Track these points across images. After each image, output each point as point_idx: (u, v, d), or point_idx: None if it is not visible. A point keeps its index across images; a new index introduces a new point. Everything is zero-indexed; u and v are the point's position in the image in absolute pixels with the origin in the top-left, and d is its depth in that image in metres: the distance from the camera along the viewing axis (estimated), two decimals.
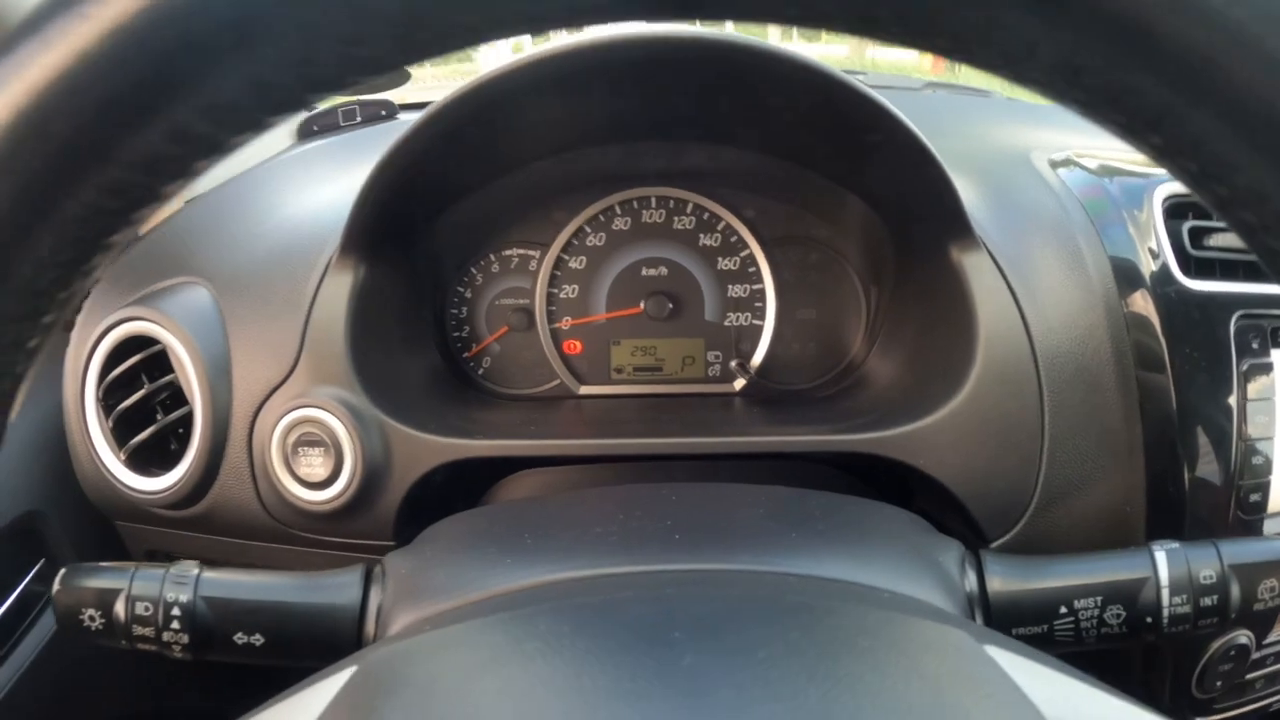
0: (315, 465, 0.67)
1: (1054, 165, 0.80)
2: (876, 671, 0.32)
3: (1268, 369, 0.70)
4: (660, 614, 0.37)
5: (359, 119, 1.05)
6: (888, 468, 0.68)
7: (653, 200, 0.83)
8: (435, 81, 1.25)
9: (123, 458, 0.71)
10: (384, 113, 1.04)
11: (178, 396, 0.72)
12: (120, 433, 0.72)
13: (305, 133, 1.07)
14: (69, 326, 0.74)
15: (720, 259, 0.83)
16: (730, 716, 0.29)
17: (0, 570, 0.75)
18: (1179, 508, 0.68)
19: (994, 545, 0.67)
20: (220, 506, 0.71)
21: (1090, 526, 0.68)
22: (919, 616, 0.39)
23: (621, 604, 0.39)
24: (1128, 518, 0.69)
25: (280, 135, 1.06)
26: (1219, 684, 0.74)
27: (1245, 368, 0.69)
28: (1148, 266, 0.70)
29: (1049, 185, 0.77)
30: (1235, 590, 0.50)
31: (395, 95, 1.10)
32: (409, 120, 0.63)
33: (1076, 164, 0.79)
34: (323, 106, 1.10)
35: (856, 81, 0.59)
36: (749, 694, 0.30)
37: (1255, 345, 0.70)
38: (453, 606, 0.45)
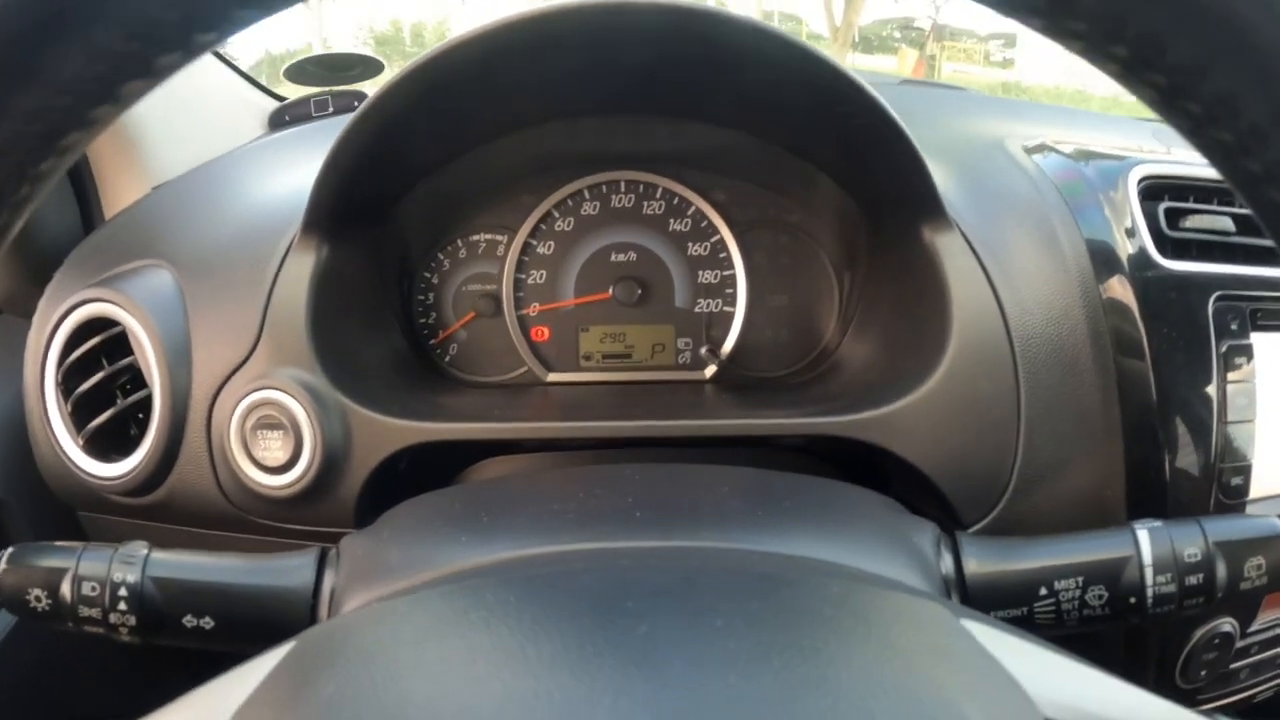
0: (274, 449, 0.65)
1: (1029, 151, 0.79)
2: (843, 642, 0.31)
3: (1247, 351, 0.70)
4: (614, 584, 0.35)
5: (331, 110, 1.04)
6: (864, 454, 0.67)
7: (622, 184, 0.82)
8: None
9: (81, 442, 0.70)
10: (356, 103, 1.03)
11: (138, 380, 0.71)
12: (79, 417, 0.71)
13: (276, 123, 1.07)
14: (29, 312, 0.73)
15: (690, 244, 0.83)
16: (687, 686, 0.27)
17: None
18: (1160, 491, 0.68)
19: (971, 530, 0.66)
20: (179, 493, 0.70)
21: (1069, 510, 0.67)
22: (891, 590, 0.38)
23: (573, 575, 0.37)
24: (1107, 501, 0.68)
25: (251, 125, 1.05)
26: (1203, 673, 0.73)
27: (1224, 349, 0.69)
28: (1124, 248, 0.70)
29: (1023, 169, 0.76)
30: (1221, 568, 0.49)
31: (368, 87, 1.09)
32: None
33: (1051, 149, 0.79)
34: (294, 97, 1.09)
35: (825, 52, 0.58)
36: (707, 663, 0.28)
37: (1234, 327, 0.71)
38: (405, 586, 0.43)
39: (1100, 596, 0.50)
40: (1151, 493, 0.68)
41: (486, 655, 0.30)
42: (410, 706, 0.27)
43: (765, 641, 0.30)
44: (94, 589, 0.49)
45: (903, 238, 0.70)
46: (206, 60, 0.98)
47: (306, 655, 0.33)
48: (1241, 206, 0.75)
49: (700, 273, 0.83)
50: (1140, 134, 1.07)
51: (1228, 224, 0.75)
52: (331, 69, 1.11)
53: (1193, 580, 0.49)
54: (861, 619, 0.33)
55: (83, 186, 0.88)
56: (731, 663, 0.28)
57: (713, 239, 0.82)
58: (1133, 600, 0.49)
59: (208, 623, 0.49)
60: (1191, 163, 0.82)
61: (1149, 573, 0.49)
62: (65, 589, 0.49)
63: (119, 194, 0.87)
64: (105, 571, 0.50)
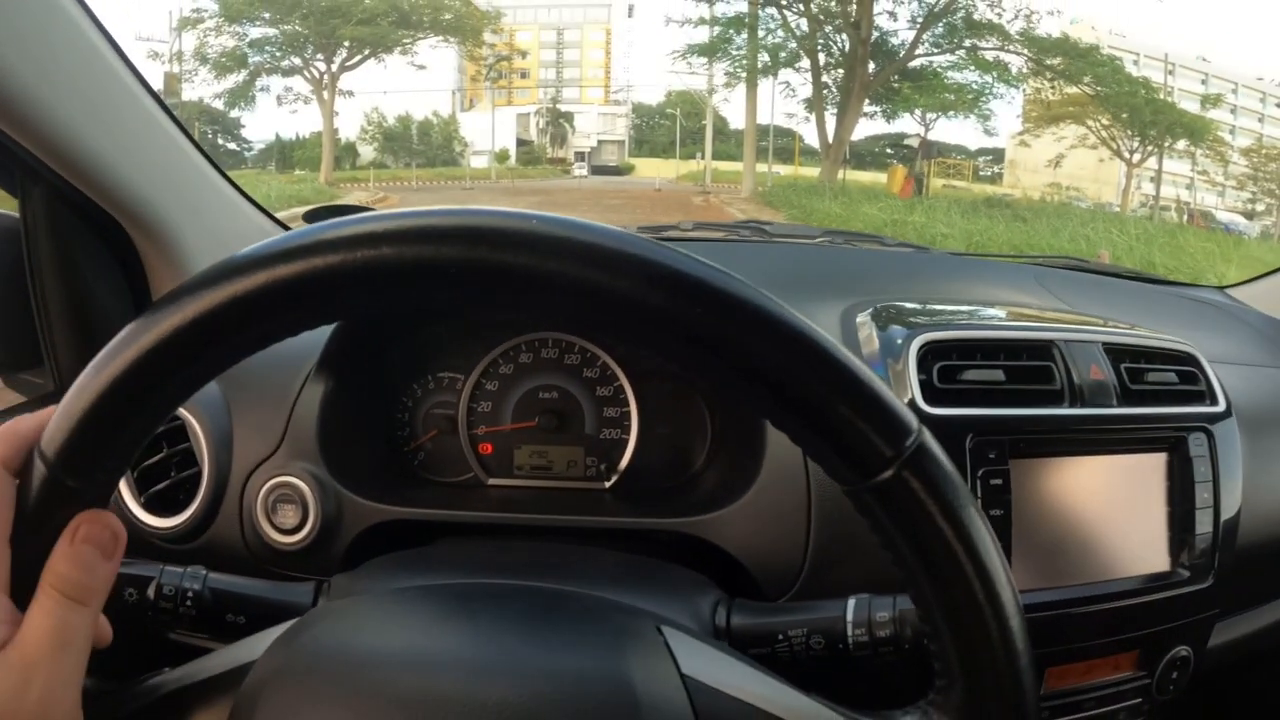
0: (288, 516, 0.90)
1: (843, 317, 1.02)
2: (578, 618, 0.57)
3: (1004, 473, 0.87)
4: (495, 603, 0.63)
5: None
6: (712, 554, 0.89)
7: (550, 341, 1.05)
8: None
9: (141, 501, 0.94)
10: None
11: (187, 459, 0.96)
12: (140, 482, 0.95)
13: None
14: None
15: (598, 387, 1.04)
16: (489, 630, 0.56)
17: None
18: None
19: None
20: (213, 543, 0.93)
21: (848, 592, 0.84)
22: (631, 612, 0.59)
23: (465, 592, 0.66)
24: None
25: None
26: None
27: (981, 473, 0.86)
28: (903, 398, 0.82)
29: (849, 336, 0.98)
30: (907, 629, 0.67)
31: None
32: None
33: (870, 318, 0.99)
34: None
35: None
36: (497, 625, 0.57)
37: (993, 456, 0.86)
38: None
39: (819, 642, 0.69)
40: None
41: (431, 614, 0.59)
42: (375, 634, 0.56)
43: (523, 620, 0.58)
44: (170, 590, 0.74)
45: None
46: (231, 198, 1.18)
47: (306, 618, 0.58)
48: (1020, 359, 0.93)
49: (605, 409, 1.04)
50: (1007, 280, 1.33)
51: (999, 375, 0.91)
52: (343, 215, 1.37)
53: (883, 634, 0.67)
54: (603, 613, 0.59)
55: (133, 274, 1.04)
56: (502, 630, 0.57)
57: (614, 384, 1.04)
58: (840, 646, 0.69)
59: (241, 619, 0.74)
60: (990, 325, 1.01)
61: (849, 628, 0.68)
62: (150, 590, 0.74)
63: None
64: (179, 581, 0.75)
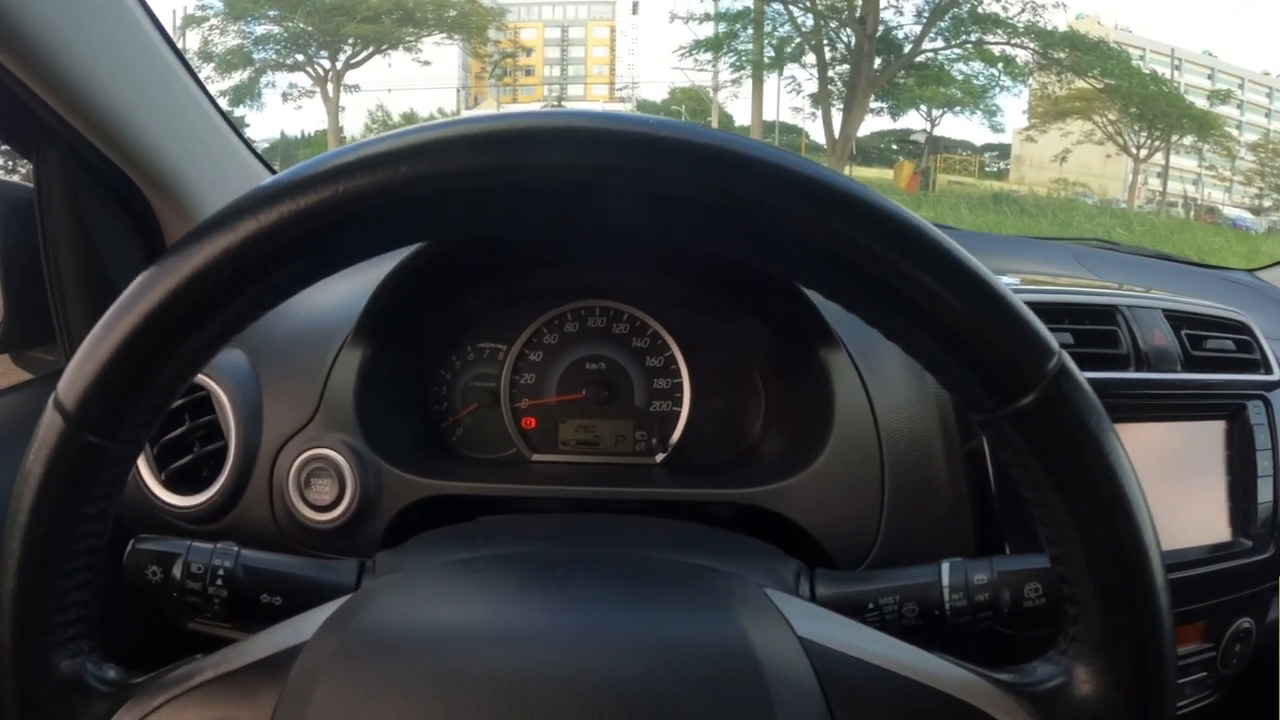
0: (323, 491, 0.85)
1: None
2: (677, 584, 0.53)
3: None
4: (581, 571, 0.57)
5: None
6: (773, 526, 0.85)
7: (597, 310, 1.01)
8: None
9: (162, 479, 0.89)
10: None
11: (212, 433, 0.90)
12: (160, 458, 0.89)
13: None
14: None
15: (648, 358, 1.01)
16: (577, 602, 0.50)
17: None
18: (1001, 550, 0.83)
19: None
20: (239, 523, 0.88)
21: (921, 560, 0.83)
22: (730, 573, 0.56)
23: (542, 559, 0.60)
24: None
25: None
26: None
27: None
28: None
29: None
30: (1005, 592, 0.63)
31: None
32: None
33: None
34: None
35: None
36: (593, 594, 0.51)
37: None
38: None
39: (913, 610, 0.65)
40: (996, 551, 0.80)
41: (513, 584, 0.53)
42: (431, 611, 0.50)
43: (619, 588, 0.53)
44: (199, 569, 0.66)
45: (807, 356, 0.90)
46: (252, 165, 1.13)
47: (361, 594, 0.53)
48: (1083, 324, 0.92)
49: (655, 380, 1.01)
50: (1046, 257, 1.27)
51: (1067, 339, 0.90)
52: None
53: (981, 598, 0.64)
54: (702, 577, 0.55)
55: (151, 244, 1.00)
56: (599, 600, 0.51)
57: (665, 354, 1.00)
58: (936, 613, 0.65)
59: (278, 600, 0.67)
60: (1054, 290, 0.99)
61: (946, 593, 0.64)
62: (177, 569, 0.66)
63: None
64: (208, 559, 0.66)
